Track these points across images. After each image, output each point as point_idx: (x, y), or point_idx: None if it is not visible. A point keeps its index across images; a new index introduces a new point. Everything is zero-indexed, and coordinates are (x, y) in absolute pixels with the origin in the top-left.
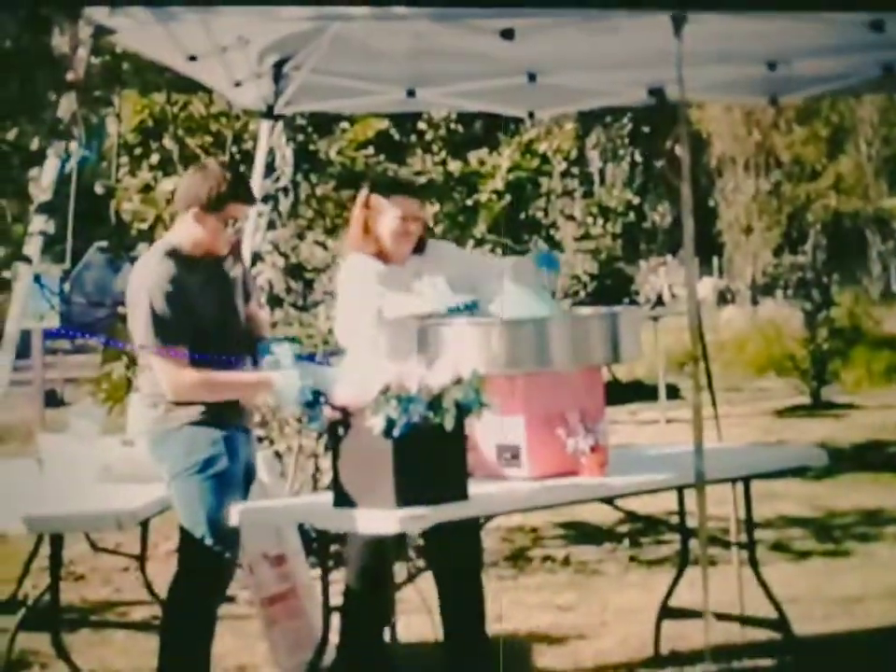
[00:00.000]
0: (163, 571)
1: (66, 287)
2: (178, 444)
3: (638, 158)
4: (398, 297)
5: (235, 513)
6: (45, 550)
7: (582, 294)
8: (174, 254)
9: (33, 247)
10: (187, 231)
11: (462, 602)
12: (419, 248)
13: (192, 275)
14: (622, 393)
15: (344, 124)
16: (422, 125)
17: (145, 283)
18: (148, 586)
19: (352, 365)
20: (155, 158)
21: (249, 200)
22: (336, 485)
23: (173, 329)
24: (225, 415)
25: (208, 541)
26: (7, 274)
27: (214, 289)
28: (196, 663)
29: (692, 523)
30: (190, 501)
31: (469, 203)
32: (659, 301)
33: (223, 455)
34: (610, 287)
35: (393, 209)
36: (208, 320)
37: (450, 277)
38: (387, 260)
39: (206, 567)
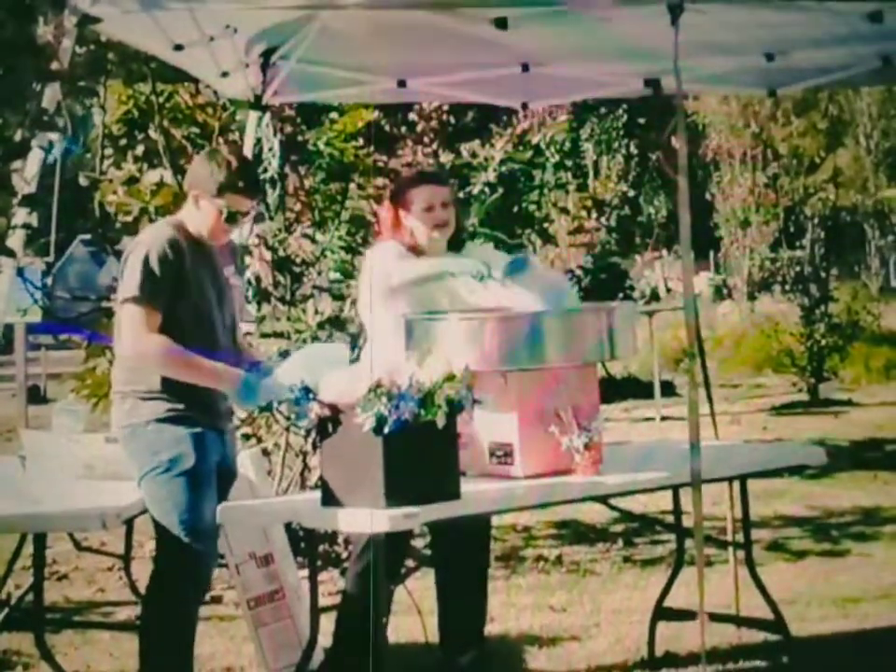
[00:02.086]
0: (148, 571)
1: (49, 280)
2: (144, 442)
3: (634, 150)
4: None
5: (220, 512)
6: (28, 549)
7: (576, 289)
8: (179, 227)
9: (16, 240)
10: (187, 213)
11: (465, 601)
12: (457, 246)
13: (190, 252)
14: (616, 390)
15: (333, 115)
16: (413, 116)
17: (145, 240)
18: (133, 586)
19: (376, 354)
20: (140, 149)
21: (247, 193)
22: (324, 484)
23: (159, 290)
24: (193, 413)
25: (180, 541)
26: None
27: (206, 275)
28: (175, 662)
29: (687, 522)
30: (158, 501)
31: (461, 195)
32: (654, 296)
33: (189, 455)
34: (605, 282)
35: (419, 200)
36: (193, 300)
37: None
38: (422, 254)
39: (179, 567)
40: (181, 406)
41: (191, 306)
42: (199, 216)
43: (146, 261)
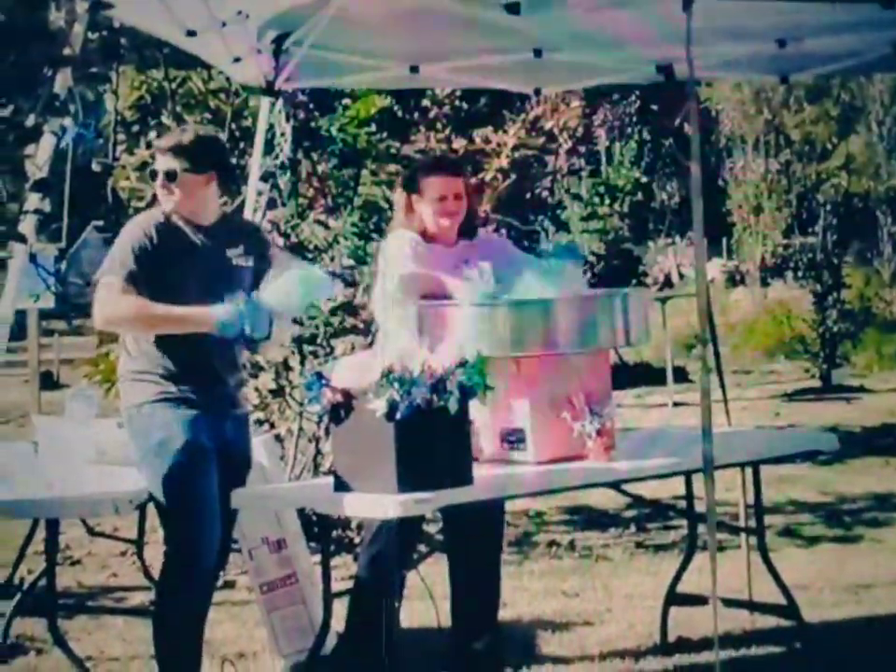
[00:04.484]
0: (161, 556)
1: (62, 266)
2: (138, 425)
3: (647, 136)
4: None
5: (234, 498)
6: (40, 534)
7: (589, 275)
8: (164, 216)
9: (28, 226)
10: (160, 199)
11: (478, 587)
12: (470, 234)
13: (176, 237)
14: (628, 376)
15: (346, 101)
16: (426, 102)
17: (127, 227)
18: (146, 571)
19: (387, 343)
20: (153, 135)
21: (160, 148)
22: (337, 469)
23: (130, 272)
24: (186, 396)
25: (179, 524)
26: (1, 254)
27: (198, 258)
28: (185, 645)
29: (700, 508)
30: (153, 484)
31: (474, 181)
32: (667, 282)
33: (177, 437)
34: (618, 268)
35: (432, 189)
36: (178, 283)
37: (496, 268)
38: (434, 241)
39: (182, 550)
40: (173, 389)
41: (176, 289)
42: (177, 196)
43: (121, 246)
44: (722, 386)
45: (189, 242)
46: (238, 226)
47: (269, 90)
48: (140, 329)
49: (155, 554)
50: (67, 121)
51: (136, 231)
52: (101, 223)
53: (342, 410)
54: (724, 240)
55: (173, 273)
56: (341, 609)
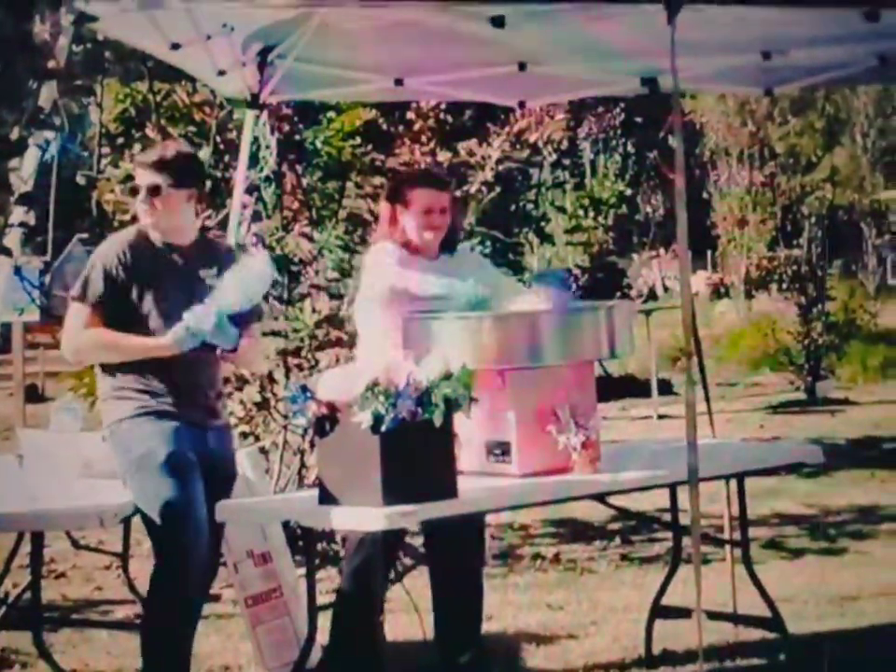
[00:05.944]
0: (146, 569)
1: (47, 279)
2: (120, 440)
3: (631, 149)
4: (424, 276)
5: (218, 511)
6: (25, 547)
7: (574, 287)
8: (139, 234)
9: (12, 239)
10: (141, 215)
11: (460, 600)
12: (451, 249)
13: (148, 258)
14: (613, 388)
15: (331, 113)
16: (410, 115)
17: (101, 248)
18: (131, 584)
19: (365, 353)
20: (137, 148)
21: (144, 164)
22: (322, 482)
23: (99, 296)
24: (165, 409)
25: (165, 536)
26: None
27: (170, 278)
28: (172, 659)
29: (684, 520)
30: (139, 498)
31: (459, 194)
32: (652, 295)
33: (160, 450)
34: (602, 281)
35: (417, 202)
36: (150, 304)
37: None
38: (416, 253)
39: (169, 562)
40: (153, 403)
41: (149, 310)
42: (148, 212)
43: (91, 269)
44: (707, 399)
45: (164, 261)
46: (213, 247)
47: (253, 102)
48: (104, 360)
49: (140, 568)
50: (52, 134)
51: (109, 252)
52: (85, 236)
53: (326, 422)
54: (709, 252)
55: (147, 292)
56: (325, 622)
